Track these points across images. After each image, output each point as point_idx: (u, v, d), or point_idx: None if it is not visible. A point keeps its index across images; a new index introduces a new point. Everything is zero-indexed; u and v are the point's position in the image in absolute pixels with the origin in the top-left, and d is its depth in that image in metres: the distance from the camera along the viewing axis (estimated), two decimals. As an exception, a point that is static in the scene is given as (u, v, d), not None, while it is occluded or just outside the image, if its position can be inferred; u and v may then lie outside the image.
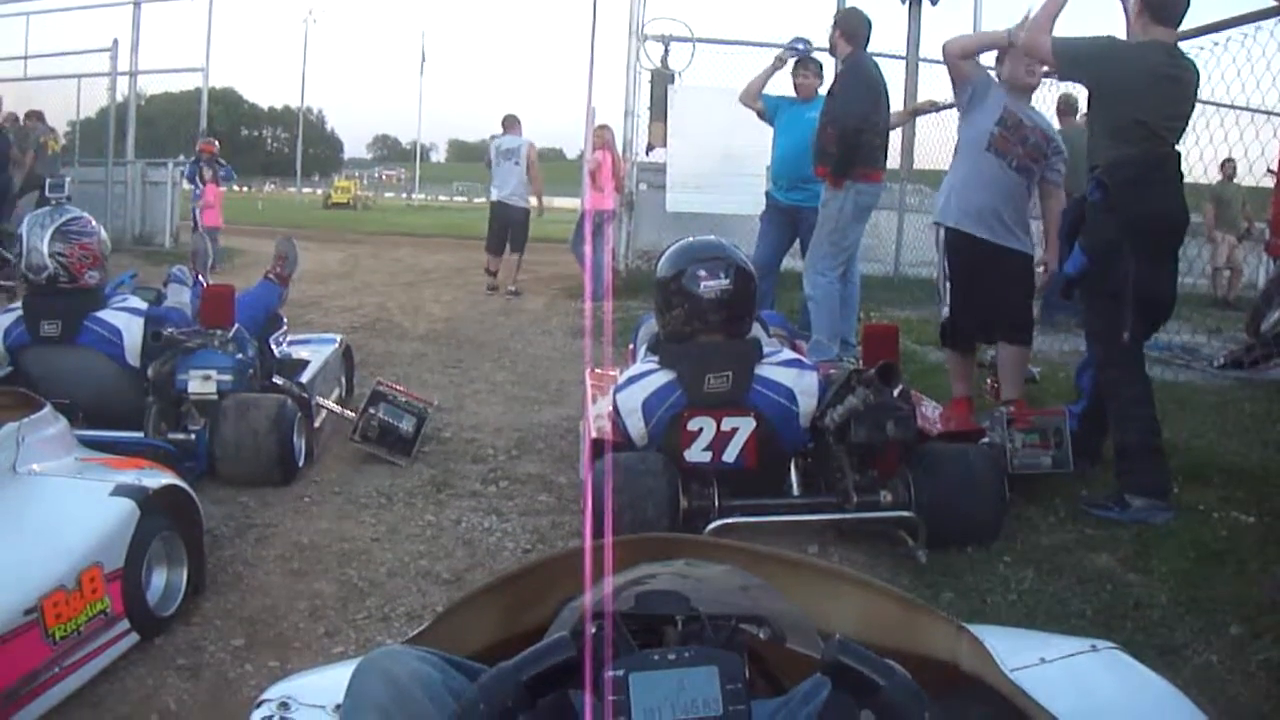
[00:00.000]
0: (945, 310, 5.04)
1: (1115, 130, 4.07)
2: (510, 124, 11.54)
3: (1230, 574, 3.39)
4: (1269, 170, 4.88)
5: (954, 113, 7.66)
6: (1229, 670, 2.80)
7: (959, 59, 4.94)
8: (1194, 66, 4.20)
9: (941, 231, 4.98)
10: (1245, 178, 6.65)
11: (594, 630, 1.07)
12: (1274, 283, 8.05)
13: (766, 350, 3.85)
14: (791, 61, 7.31)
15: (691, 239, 4.00)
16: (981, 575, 3.50)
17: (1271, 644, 2.90)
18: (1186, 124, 4.22)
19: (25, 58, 15.40)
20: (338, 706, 1.24)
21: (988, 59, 5.14)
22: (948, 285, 4.97)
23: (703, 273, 3.73)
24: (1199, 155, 4.97)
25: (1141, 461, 4.01)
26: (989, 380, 5.21)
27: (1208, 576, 3.37)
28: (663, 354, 3.83)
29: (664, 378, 3.76)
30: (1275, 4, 3.92)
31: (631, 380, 3.84)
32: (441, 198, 62.36)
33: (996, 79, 4.98)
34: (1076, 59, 4.18)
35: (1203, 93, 4.30)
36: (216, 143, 14.01)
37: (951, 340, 5.13)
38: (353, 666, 1.22)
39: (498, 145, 11.45)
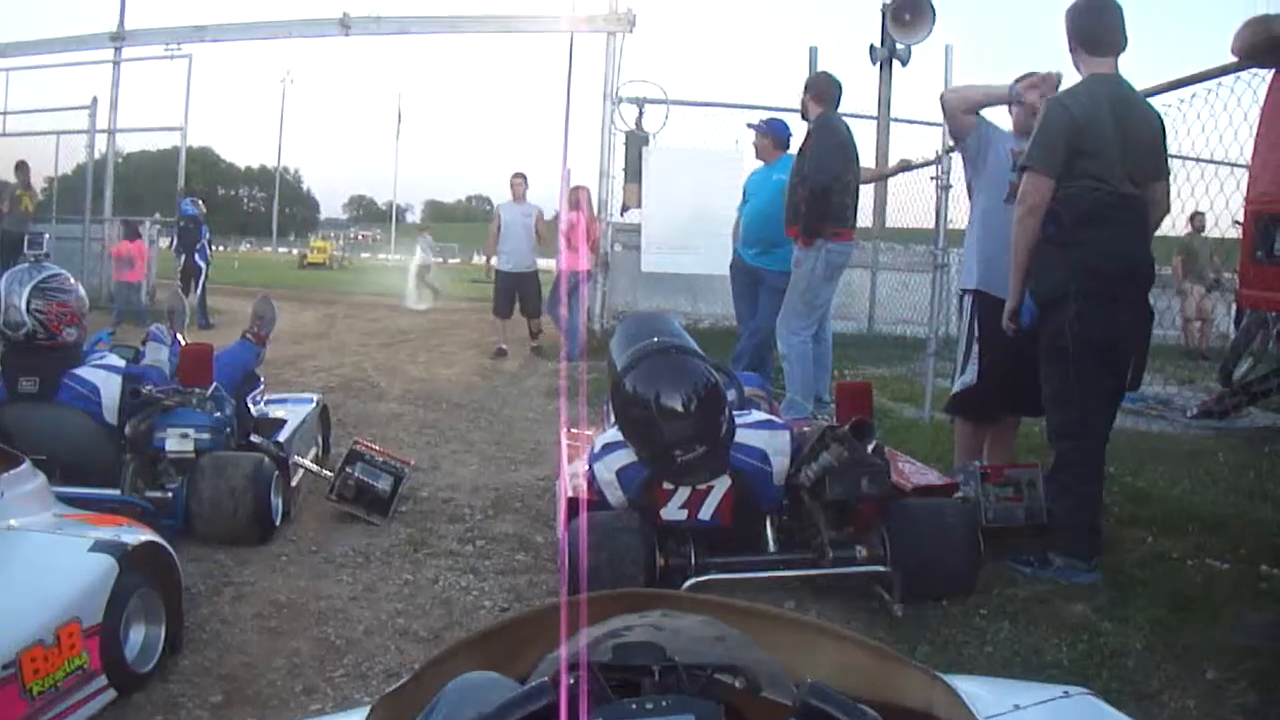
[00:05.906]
0: (966, 378, 4.69)
1: (1070, 163, 3.87)
2: (516, 184, 11.38)
3: (1205, 620, 3.43)
4: (1234, 222, 4.97)
5: (926, 171, 7.78)
6: (1205, 715, 2.84)
7: (961, 113, 4.69)
8: (1148, 105, 4.09)
9: (969, 298, 4.68)
10: (1213, 229, 6.78)
11: (571, 681, 1.08)
12: (1244, 333, 8.21)
13: (737, 415, 3.86)
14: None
15: (653, 335, 3.88)
16: (957, 628, 3.52)
17: (1247, 688, 2.94)
18: (1156, 164, 4.05)
19: (4, 113, 15.45)
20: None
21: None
22: (975, 350, 4.63)
23: (673, 404, 3.53)
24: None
25: (1074, 532, 3.99)
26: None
27: (1183, 623, 3.42)
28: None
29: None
30: (1235, 61, 4.01)
31: (607, 449, 3.85)
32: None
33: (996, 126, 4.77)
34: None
35: (1171, 147, 4.33)
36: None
37: (968, 409, 4.79)
38: None
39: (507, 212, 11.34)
